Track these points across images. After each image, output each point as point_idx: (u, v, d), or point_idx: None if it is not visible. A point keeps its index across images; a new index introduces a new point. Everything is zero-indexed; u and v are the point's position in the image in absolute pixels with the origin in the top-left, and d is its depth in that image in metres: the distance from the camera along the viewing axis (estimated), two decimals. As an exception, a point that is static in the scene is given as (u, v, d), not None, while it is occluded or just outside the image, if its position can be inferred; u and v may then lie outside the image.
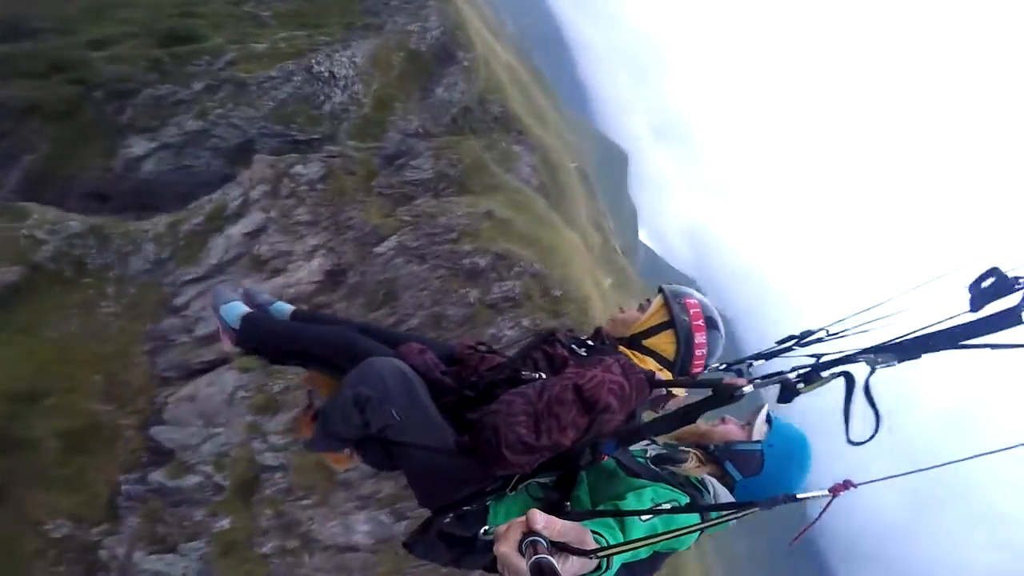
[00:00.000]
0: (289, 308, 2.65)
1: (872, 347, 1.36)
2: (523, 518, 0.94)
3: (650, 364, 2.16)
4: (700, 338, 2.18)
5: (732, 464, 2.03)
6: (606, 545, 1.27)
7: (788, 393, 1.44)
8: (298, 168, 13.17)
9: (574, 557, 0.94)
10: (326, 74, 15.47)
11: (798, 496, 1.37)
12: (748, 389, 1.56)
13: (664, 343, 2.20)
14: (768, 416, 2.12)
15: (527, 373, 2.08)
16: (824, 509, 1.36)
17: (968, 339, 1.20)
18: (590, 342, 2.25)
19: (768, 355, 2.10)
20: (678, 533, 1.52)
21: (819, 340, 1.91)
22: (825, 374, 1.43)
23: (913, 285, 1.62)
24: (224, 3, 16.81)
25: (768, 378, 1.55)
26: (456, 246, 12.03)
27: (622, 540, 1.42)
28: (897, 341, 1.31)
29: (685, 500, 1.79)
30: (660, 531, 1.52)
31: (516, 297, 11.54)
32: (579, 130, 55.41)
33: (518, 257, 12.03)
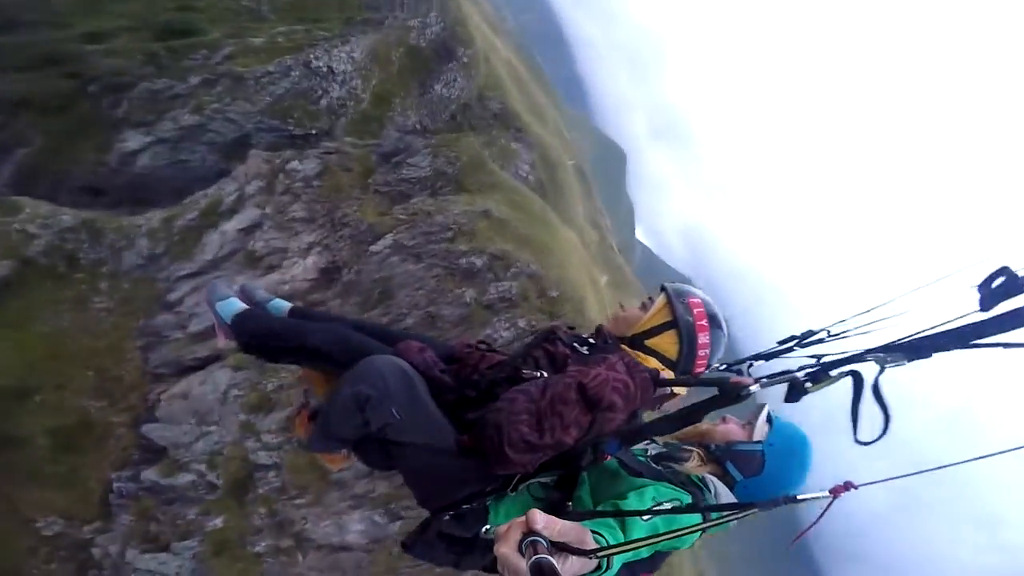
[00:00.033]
0: (287, 305, 2.61)
1: (882, 346, 1.34)
2: (523, 518, 0.94)
3: (653, 364, 2.14)
4: (703, 338, 2.16)
5: (733, 465, 2.02)
6: (606, 545, 1.27)
7: (796, 392, 1.42)
8: (294, 164, 13.11)
9: (574, 557, 0.95)
10: (324, 69, 15.39)
11: (798, 498, 1.35)
12: (755, 388, 1.54)
13: (667, 343, 2.18)
14: (769, 416, 2.11)
15: (528, 371, 2.06)
16: (825, 510, 1.35)
17: (979, 338, 1.18)
18: (592, 340, 2.23)
19: (769, 355, 2.09)
20: (680, 533, 1.51)
21: (820, 341, 1.89)
22: (834, 373, 1.41)
23: (912, 286, 1.62)
24: (222, -3, 16.67)
25: (776, 377, 1.53)
26: (452, 245, 12.00)
27: (623, 540, 1.41)
28: (907, 340, 1.29)
29: (687, 499, 1.77)
30: (662, 531, 1.51)
31: (512, 298, 11.51)
32: (578, 127, 55.46)
33: (515, 257, 12.01)
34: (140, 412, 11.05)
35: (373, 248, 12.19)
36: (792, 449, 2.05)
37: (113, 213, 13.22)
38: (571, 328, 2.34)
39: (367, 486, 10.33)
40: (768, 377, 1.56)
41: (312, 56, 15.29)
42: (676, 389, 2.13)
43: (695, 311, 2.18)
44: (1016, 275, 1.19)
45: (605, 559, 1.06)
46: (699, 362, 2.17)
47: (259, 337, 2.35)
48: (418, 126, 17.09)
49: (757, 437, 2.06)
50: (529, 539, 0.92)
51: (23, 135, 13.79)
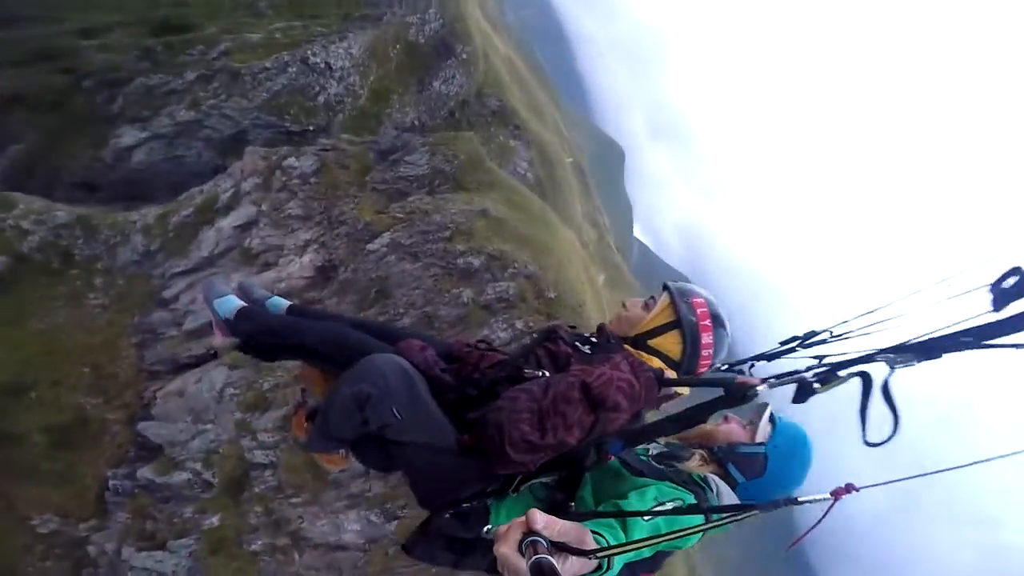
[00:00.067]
0: (285, 303, 2.58)
1: (892, 347, 1.33)
2: (523, 518, 0.94)
3: (656, 364, 2.12)
4: (707, 338, 2.15)
5: (735, 467, 2.01)
6: (607, 545, 1.27)
7: (804, 393, 1.40)
8: (291, 161, 13.02)
9: (574, 557, 0.95)
10: (322, 65, 15.31)
11: (799, 500, 1.33)
12: (762, 388, 1.52)
13: (670, 343, 2.16)
14: (771, 416, 2.09)
15: (530, 371, 2.04)
16: (826, 513, 1.33)
17: (991, 339, 1.17)
18: (594, 340, 2.21)
19: (771, 356, 2.07)
20: (682, 533, 1.49)
21: (823, 341, 1.88)
22: (842, 373, 1.39)
23: (913, 286, 1.60)
24: (218, -8, 16.55)
25: (784, 377, 1.51)
26: (450, 245, 11.95)
27: (623, 540, 1.40)
28: (919, 341, 1.28)
29: (690, 498, 1.76)
30: (663, 531, 1.49)
31: (510, 298, 11.47)
32: (577, 125, 55.37)
33: (512, 258, 11.97)
34: (136, 409, 11.00)
35: (370, 246, 12.13)
36: (795, 450, 2.04)
37: (108, 209, 13.13)
38: (572, 327, 2.32)
39: (363, 485, 10.30)
40: (776, 377, 1.55)
41: (309, 52, 15.21)
42: (679, 389, 2.12)
43: (698, 311, 2.16)
44: (1028, 275, 1.18)
45: (606, 559, 1.06)
46: (703, 362, 2.16)
47: (257, 335, 2.32)
48: (416, 123, 17.03)
49: (760, 438, 2.05)
50: (529, 539, 0.92)
51: (16, 131, 13.69)
